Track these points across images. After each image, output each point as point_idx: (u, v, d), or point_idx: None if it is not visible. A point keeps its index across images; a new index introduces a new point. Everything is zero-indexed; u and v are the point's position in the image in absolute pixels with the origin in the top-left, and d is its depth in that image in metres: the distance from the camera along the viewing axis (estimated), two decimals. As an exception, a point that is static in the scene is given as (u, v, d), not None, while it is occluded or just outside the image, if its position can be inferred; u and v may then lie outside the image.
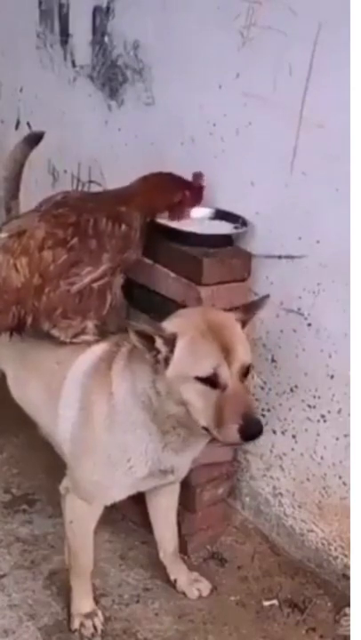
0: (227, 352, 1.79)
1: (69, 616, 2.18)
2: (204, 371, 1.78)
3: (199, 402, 1.79)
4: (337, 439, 2.24)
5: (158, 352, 1.82)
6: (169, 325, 1.86)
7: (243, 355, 1.82)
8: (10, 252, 2.07)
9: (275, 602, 2.29)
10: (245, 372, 1.83)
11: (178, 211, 2.28)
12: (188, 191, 2.27)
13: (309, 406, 2.30)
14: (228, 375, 1.78)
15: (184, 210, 2.29)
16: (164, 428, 1.92)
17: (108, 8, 2.78)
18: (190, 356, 1.80)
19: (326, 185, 2.10)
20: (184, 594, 2.29)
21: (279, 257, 2.28)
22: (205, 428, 1.82)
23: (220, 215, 2.37)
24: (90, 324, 2.13)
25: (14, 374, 2.33)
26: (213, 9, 2.34)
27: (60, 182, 3.15)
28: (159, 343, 1.81)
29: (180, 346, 1.80)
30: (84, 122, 3.00)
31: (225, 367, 1.78)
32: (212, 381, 1.78)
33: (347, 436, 2.19)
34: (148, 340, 1.81)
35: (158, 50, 2.60)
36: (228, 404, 1.77)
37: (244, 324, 1.91)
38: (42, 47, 3.18)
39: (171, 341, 1.80)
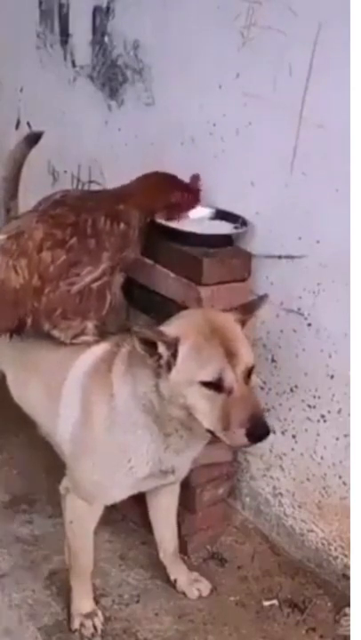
0: (231, 355, 1.78)
1: (69, 616, 2.18)
2: (209, 375, 1.77)
3: (204, 406, 1.79)
4: (337, 439, 2.24)
5: (160, 357, 1.81)
6: (170, 329, 1.85)
7: (246, 356, 1.82)
8: (8, 254, 2.06)
9: (275, 602, 2.29)
10: (249, 373, 1.82)
11: (175, 212, 2.28)
12: (186, 193, 2.27)
13: (309, 406, 2.30)
14: (233, 379, 1.77)
15: (182, 212, 2.29)
16: (167, 430, 1.92)
17: (108, 8, 2.78)
18: (194, 360, 1.79)
19: (326, 185, 2.10)
20: (184, 594, 2.29)
21: (279, 257, 2.28)
22: (211, 431, 1.82)
23: (220, 215, 2.37)
24: (90, 325, 2.13)
25: (14, 374, 2.33)
26: (213, 9, 2.34)
27: (60, 182, 3.15)
28: (162, 348, 1.80)
29: (182, 350, 1.80)
30: (83, 122, 3.00)
31: (230, 371, 1.77)
32: (217, 386, 1.77)
33: (347, 435, 2.19)
34: (151, 345, 1.81)
35: (158, 50, 2.60)
36: (234, 407, 1.76)
37: (243, 324, 1.90)
38: (42, 47, 3.18)
39: (173, 346, 1.80)
